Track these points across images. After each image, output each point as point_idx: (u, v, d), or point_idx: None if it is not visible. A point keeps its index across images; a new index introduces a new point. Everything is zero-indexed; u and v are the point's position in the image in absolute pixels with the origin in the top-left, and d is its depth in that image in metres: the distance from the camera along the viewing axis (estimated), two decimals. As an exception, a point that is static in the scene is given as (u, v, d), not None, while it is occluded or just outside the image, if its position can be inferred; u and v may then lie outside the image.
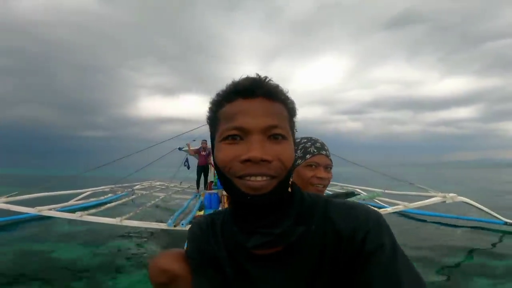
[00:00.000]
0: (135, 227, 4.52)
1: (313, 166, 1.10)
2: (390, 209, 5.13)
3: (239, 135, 0.53)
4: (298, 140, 1.16)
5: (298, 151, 1.13)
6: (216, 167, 0.56)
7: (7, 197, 4.79)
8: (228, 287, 0.60)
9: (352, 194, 5.84)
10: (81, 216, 4.36)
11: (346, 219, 0.55)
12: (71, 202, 6.66)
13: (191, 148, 8.15)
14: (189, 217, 4.82)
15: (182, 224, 4.34)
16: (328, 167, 1.14)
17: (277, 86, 0.57)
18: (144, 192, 8.48)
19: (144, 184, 11.23)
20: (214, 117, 0.58)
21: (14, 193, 4.96)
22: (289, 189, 0.60)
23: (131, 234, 5.36)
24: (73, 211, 5.06)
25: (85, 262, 4.17)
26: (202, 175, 8.20)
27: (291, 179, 0.58)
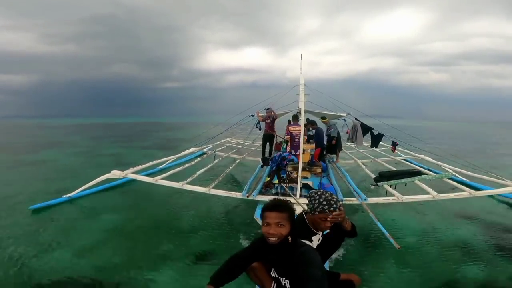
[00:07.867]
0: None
1: (323, 219, 2.03)
2: (452, 195, 5.02)
3: (268, 224, 1.78)
4: (321, 199, 2.03)
5: (319, 208, 2.00)
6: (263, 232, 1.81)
7: (133, 167, 6.72)
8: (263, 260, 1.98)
9: (418, 173, 5.70)
10: (182, 185, 5.90)
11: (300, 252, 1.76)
12: (171, 170, 8.52)
13: (259, 115, 9.11)
14: (259, 186, 5.82)
15: (254, 195, 5.38)
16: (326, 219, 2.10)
17: (285, 206, 1.72)
18: (224, 154, 10.05)
19: (224, 142, 13.03)
20: (262, 215, 1.83)
21: (137, 166, 6.91)
22: (290, 240, 1.78)
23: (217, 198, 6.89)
24: (176, 179, 6.61)
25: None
26: (268, 143, 9.10)
27: (289, 237, 1.78)
